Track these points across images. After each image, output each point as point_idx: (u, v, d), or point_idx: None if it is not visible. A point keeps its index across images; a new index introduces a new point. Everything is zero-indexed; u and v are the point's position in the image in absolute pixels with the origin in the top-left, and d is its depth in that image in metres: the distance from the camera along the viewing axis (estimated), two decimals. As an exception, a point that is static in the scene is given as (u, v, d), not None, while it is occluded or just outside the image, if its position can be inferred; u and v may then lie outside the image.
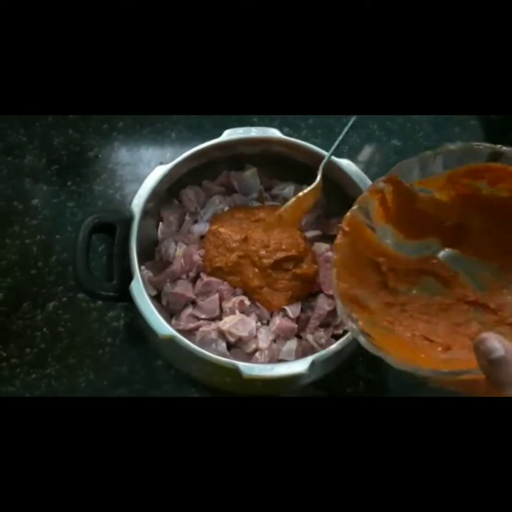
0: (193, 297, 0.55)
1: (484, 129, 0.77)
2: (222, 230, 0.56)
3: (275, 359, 0.53)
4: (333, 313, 0.54)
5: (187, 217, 0.59)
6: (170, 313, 0.55)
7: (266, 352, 0.52)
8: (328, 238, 0.59)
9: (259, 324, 0.55)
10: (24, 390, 0.56)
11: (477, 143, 0.41)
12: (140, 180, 0.54)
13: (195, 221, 0.60)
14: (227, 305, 0.54)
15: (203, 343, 0.52)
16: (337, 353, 0.48)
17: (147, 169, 0.54)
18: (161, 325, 0.47)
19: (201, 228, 0.59)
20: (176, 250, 0.57)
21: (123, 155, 0.71)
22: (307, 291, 0.57)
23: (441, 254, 0.45)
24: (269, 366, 0.47)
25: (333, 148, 0.54)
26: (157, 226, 0.58)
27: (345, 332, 0.50)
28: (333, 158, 0.56)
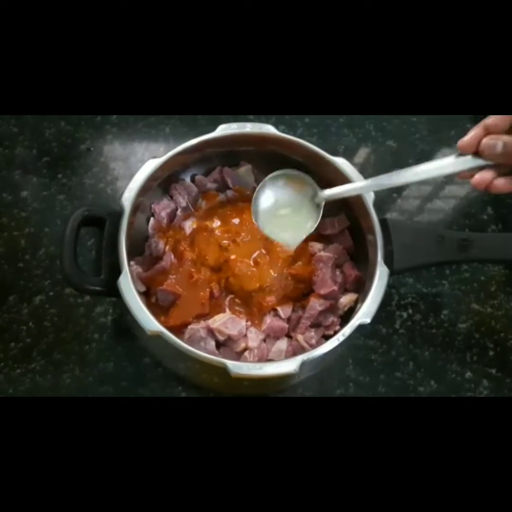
0: (183, 293, 0.54)
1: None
2: (213, 226, 0.55)
3: (264, 359, 0.52)
4: (324, 313, 0.54)
5: (179, 213, 0.58)
6: (158, 310, 0.54)
7: (255, 351, 0.52)
8: (322, 237, 0.58)
9: (249, 323, 0.54)
10: (7, 385, 0.55)
11: None
12: (132, 175, 0.53)
13: (187, 217, 0.59)
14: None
15: (191, 341, 0.51)
16: (327, 353, 0.47)
17: (139, 164, 0.53)
18: (149, 321, 0.46)
19: (192, 224, 0.58)
20: (166, 245, 0.56)
21: (116, 148, 0.70)
22: (301, 292, 0.56)
23: None
24: (258, 365, 0.46)
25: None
26: (148, 221, 0.57)
27: (335, 333, 0.49)
28: (328, 156, 0.55)
